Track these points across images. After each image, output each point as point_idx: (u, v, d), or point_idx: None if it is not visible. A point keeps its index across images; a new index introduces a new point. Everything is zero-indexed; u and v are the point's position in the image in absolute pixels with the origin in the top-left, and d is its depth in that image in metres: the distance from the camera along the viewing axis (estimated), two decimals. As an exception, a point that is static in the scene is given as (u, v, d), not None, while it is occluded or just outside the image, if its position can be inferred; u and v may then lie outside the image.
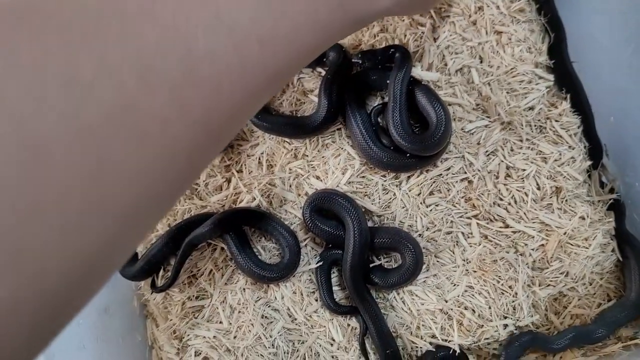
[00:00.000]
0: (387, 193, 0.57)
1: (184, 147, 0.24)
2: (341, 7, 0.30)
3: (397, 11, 0.36)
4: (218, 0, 0.24)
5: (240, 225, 0.57)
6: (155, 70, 0.22)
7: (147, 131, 0.22)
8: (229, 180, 0.60)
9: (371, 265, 0.56)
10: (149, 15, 0.23)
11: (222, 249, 0.58)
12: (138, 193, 0.23)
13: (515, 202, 0.57)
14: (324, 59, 0.60)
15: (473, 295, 0.55)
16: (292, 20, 0.27)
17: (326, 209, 0.57)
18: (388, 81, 0.57)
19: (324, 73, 0.60)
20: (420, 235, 0.57)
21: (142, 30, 0.23)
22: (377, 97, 0.60)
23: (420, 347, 0.55)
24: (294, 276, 0.57)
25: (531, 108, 0.59)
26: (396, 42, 0.60)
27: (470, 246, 0.56)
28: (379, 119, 0.59)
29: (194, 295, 0.58)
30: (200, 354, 0.56)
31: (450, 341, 0.55)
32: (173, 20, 0.23)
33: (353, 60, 0.59)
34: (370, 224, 0.57)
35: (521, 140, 0.58)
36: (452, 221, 0.57)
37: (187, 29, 0.23)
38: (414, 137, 0.55)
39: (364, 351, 0.56)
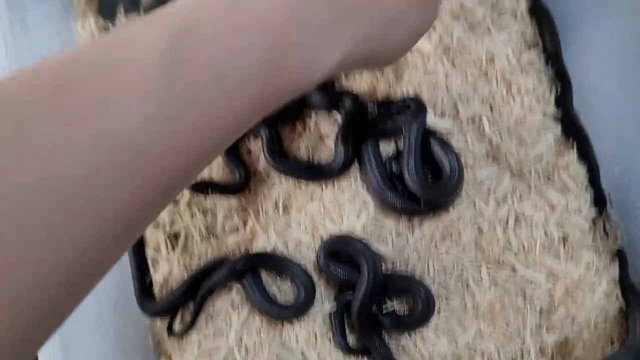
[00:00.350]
0: (400, 237, 0.59)
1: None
2: (269, 85, 0.28)
3: (350, 68, 0.34)
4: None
5: (255, 269, 0.58)
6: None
7: None
8: (245, 222, 0.61)
9: (384, 312, 0.57)
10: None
11: (238, 288, 0.59)
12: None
13: (524, 248, 0.59)
14: (340, 104, 0.62)
15: (483, 338, 0.57)
16: (200, 110, 0.26)
17: (341, 252, 0.59)
18: (403, 130, 0.59)
19: (339, 118, 0.62)
20: (432, 279, 0.58)
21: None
22: (392, 143, 0.62)
23: (432, 390, 0.57)
24: (308, 316, 0.58)
25: (539, 157, 0.61)
26: (410, 89, 0.62)
27: (481, 291, 0.58)
28: (393, 166, 0.60)
29: (210, 334, 0.59)
30: (215, 393, 0.57)
31: (460, 384, 0.56)
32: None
33: (369, 109, 0.61)
34: (383, 268, 0.58)
35: (530, 188, 0.60)
36: (462, 266, 0.59)
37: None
38: (428, 185, 0.57)
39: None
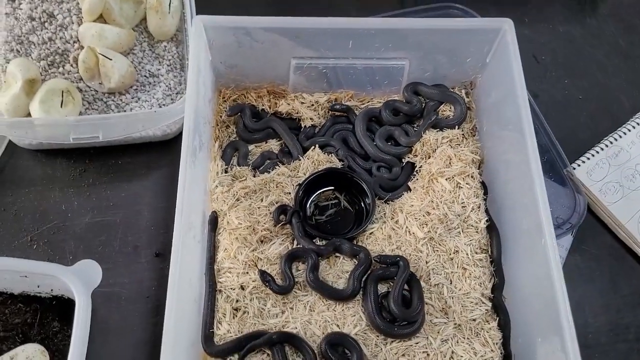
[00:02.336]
0: (377, 347, 0.93)
1: None
2: None
3: None
4: None
5: (282, 342, 0.92)
6: None
7: None
8: (283, 312, 0.96)
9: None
10: None
11: (268, 354, 0.92)
12: None
13: (453, 376, 0.92)
14: (357, 255, 0.99)
15: None
16: None
17: (337, 344, 0.92)
18: (396, 277, 0.96)
19: (356, 262, 0.99)
20: (391, 380, 0.91)
21: None
22: (385, 286, 0.98)
23: None
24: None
25: (474, 319, 0.96)
26: (404, 256, 0.99)
27: (419, 395, 0.90)
28: (383, 301, 0.96)
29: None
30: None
31: None
32: None
33: (374, 259, 0.98)
34: (362, 363, 0.92)
35: (464, 338, 0.94)
36: (412, 377, 0.92)
37: None
38: (403, 310, 0.93)
39: None
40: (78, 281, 0.86)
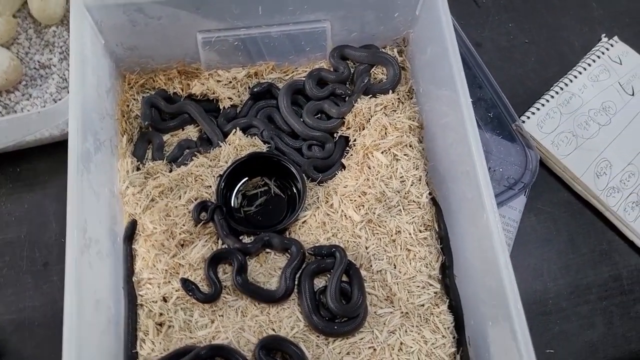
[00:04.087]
0: (319, 348, 0.84)
1: None
2: None
3: None
4: None
5: (213, 356, 0.83)
6: None
7: None
8: (212, 321, 0.86)
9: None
10: None
11: (199, 370, 0.83)
12: None
13: (403, 369, 0.84)
14: (288, 250, 0.89)
15: None
16: None
17: (274, 349, 0.84)
18: (332, 270, 0.86)
19: (289, 256, 0.89)
20: (336, 382, 0.83)
21: None
22: (323, 279, 0.89)
23: None
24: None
25: (422, 305, 0.88)
26: (341, 244, 0.90)
27: (368, 395, 0.83)
28: (321, 297, 0.87)
29: (173, 402, 0.82)
30: None
31: None
32: None
33: (308, 252, 0.88)
34: (303, 368, 0.83)
35: (413, 326, 0.86)
36: (359, 375, 0.84)
37: None
38: (342, 305, 0.84)
39: None
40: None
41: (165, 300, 0.87)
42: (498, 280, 0.75)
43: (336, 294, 0.85)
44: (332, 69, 1.05)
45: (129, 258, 0.88)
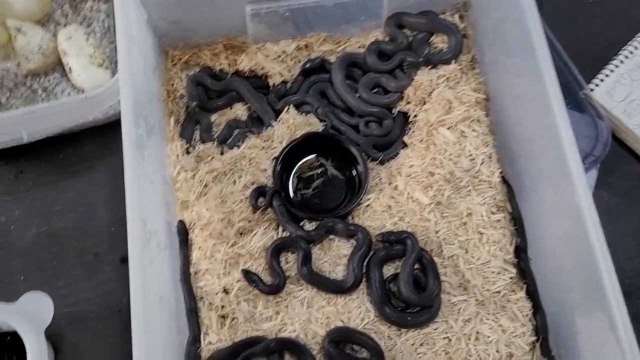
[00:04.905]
0: (391, 340, 0.80)
1: None
2: None
3: None
4: None
5: (282, 350, 0.79)
6: None
7: None
8: (277, 313, 0.82)
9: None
10: None
11: (266, 365, 0.79)
12: None
13: (480, 359, 0.80)
14: (353, 236, 0.84)
15: None
16: None
17: (343, 341, 0.79)
18: (405, 256, 0.81)
19: (354, 243, 0.84)
20: (410, 374, 0.79)
21: None
22: (392, 267, 0.84)
23: None
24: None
25: (498, 292, 0.83)
26: (409, 228, 0.84)
27: (445, 388, 0.78)
28: (391, 286, 0.82)
29: (241, 398, 0.78)
30: None
31: None
32: None
33: (376, 239, 0.83)
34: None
35: (489, 314, 0.82)
36: (434, 367, 0.79)
37: None
38: (416, 294, 0.79)
39: None
40: (26, 323, 0.71)
41: (226, 292, 0.82)
42: (591, 266, 0.70)
43: (410, 282, 0.80)
44: (387, 39, 0.98)
45: (186, 261, 0.83)
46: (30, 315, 0.73)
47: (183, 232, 0.84)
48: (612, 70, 1.05)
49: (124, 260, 0.91)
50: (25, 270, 0.90)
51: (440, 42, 0.97)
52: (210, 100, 0.96)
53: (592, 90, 1.03)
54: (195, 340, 0.80)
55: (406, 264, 0.80)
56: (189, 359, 0.79)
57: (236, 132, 0.94)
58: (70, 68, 0.91)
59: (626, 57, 1.06)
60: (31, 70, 0.91)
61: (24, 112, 0.84)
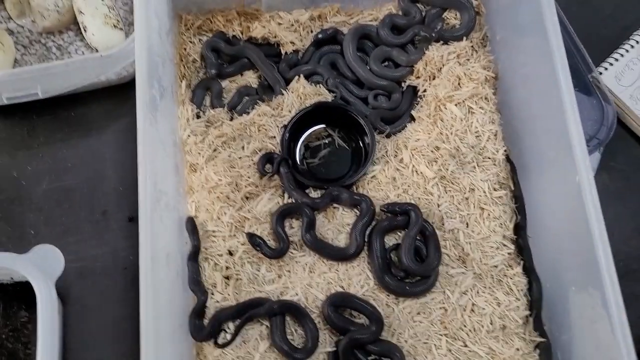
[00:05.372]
0: (389, 307, 0.83)
1: None
2: None
3: None
4: None
5: (284, 313, 0.81)
6: None
7: None
8: (280, 276, 0.84)
9: (369, 359, 0.80)
10: None
11: (267, 326, 0.82)
12: None
13: (474, 330, 0.82)
14: (357, 206, 0.86)
15: (435, 390, 0.80)
16: None
17: (343, 306, 0.82)
18: (407, 227, 0.83)
19: (357, 213, 0.86)
20: (405, 341, 0.81)
21: None
22: (393, 238, 0.86)
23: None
24: (313, 354, 0.81)
25: (495, 266, 0.85)
26: (412, 201, 0.86)
27: (439, 355, 0.81)
28: (392, 255, 0.85)
29: (241, 356, 0.81)
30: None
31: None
32: None
33: (381, 209, 0.85)
34: (373, 327, 0.81)
35: (485, 288, 0.84)
36: (429, 335, 0.82)
37: None
38: (417, 264, 0.81)
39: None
40: (37, 273, 0.73)
41: (231, 253, 0.85)
42: (588, 246, 0.72)
43: (411, 252, 0.82)
44: (401, 13, 0.98)
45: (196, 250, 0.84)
46: (41, 267, 0.75)
47: (193, 228, 0.84)
48: (622, 55, 1.06)
49: (131, 219, 0.93)
50: (36, 225, 0.92)
51: (453, 18, 0.97)
52: (222, 66, 0.97)
53: (600, 73, 1.04)
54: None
55: (408, 235, 0.82)
56: (194, 314, 0.81)
57: (246, 99, 0.96)
58: (85, 27, 0.92)
59: (637, 42, 1.07)
60: (46, 28, 0.92)
61: (39, 68, 0.84)
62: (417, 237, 0.84)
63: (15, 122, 0.96)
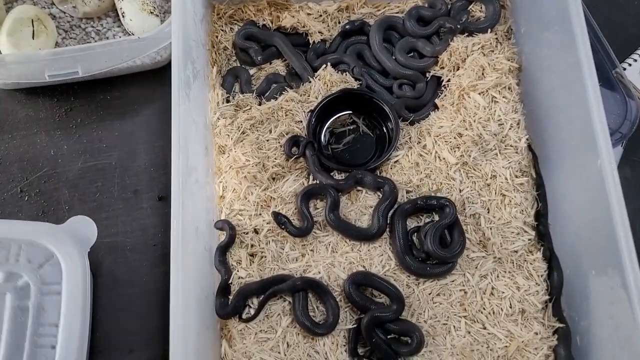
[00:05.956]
0: (409, 288, 0.84)
1: None
2: None
3: None
4: None
5: (306, 290, 0.83)
6: None
7: None
8: (303, 255, 0.87)
9: (389, 337, 0.82)
10: None
11: (289, 302, 0.84)
12: None
13: (493, 313, 0.83)
14: (380, 189, 0.88)
15: (453, 370, 0.81)
16: None
17: (364, 284, 0.84)
18: (440, 216, 0.85)
19: (380, 195, 0.88)
20: (425, 321, 0.83)
21: None
22: (415, 220, 0.88)
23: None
24: (333, 330, 0.83)
25: (515, 251, 0.86)
26: (434, 187, 0.88)
27: (458, 336, 0.82)
28: (413, 237, 0.86)
29: (264, 330, 0.83)
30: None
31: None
32: None
33: (418, 203, 0.86)
34: (393, 306, 0.83)
35: (505, 272, 0.85)
36: (448, 316, 0.83)
37: None
38: (441, 249, 0.83)
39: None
40: (71, 241, 0.76)
41: (256, 232, 0.87)
42: (608, 227, 0.73)
43: (437, 241, 0.83)
44: (427, 5, 1.00)
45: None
46: (76, 236, 0.78)
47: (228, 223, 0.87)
48: (646, 51, 1.06)
49: (161, 198, 0.97)
50: (70, 201, 0.96)
51: (478, 10, 0.99)
52: (262, 54, 1.00)
53: (624, 69, 1.05)
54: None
55: (439, 224, 0.84)
56: (219, 292, 0.83)
57: (274, 86, 0.99)
58: (123, 13, 0.96)
59: (662, 39, 1.07)
60: (86, 14, 0.96)
61: (80, 48, 0.89)
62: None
63: (54, 104, 1.01)
